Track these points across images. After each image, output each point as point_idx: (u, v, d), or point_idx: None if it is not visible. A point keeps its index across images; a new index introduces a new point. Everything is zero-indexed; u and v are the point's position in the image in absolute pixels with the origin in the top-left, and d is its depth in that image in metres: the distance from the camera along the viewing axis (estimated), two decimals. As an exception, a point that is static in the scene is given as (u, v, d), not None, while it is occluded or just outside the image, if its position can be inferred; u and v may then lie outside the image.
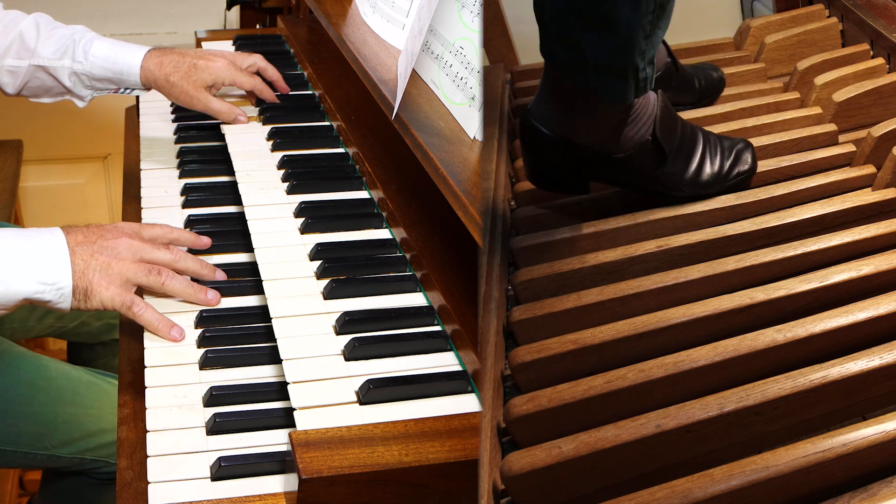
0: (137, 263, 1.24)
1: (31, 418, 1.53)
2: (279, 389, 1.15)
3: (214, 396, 1.13)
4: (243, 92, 1.78)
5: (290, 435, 1.00)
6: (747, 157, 1.37)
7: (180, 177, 1.63)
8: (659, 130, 1.28)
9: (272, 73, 1.79)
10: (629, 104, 1.24)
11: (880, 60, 1.60)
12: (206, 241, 1.38)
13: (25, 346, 2.48)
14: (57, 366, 1.59)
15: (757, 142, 1.44)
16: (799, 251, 1.22)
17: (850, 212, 1.30)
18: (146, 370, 1.18)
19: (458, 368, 1.15)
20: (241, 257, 1.40)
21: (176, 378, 1.17)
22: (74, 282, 1.19)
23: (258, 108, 1.77)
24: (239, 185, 1.51)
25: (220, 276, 1.33)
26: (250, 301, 1.31)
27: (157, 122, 1.83)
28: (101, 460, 1.61)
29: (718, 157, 1.35)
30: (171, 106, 1.86)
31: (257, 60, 1.77)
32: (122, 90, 1.71)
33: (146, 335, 1.24)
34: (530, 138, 1.27)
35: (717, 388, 1.01)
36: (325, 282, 1.28)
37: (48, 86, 1.70)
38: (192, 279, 1.31)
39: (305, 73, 1.91)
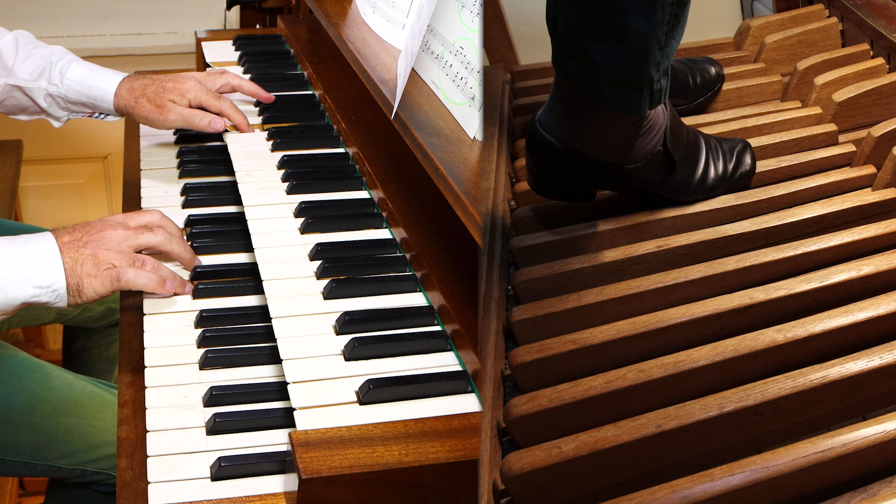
0: (121, 253, 1.26)
1: (33, 428, 1.52)
2: (279, 389, 1.15)
3: (214, 396, 1.14)
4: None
5: (290, 435, 1.00)
6: (747, 159, 1.37)
7: (180, 177, 1.63)
8: (669, 140, 1.26)
9: (249, 87, 1.75)
10: (642, 116, 1.21)
11: (880, 60, 1.60)
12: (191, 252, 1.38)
13: (29, 343, 2.47)
14: (60, 375, 1.58)
15: (757, 142, 1.44)
16: (799, 251, 1.22)
17: (850, 212, 1.30)
18: (146, 370, 1.18)
19: (458, 368, 1.15)
20: (241, 257, 1.41)
21: (176, 378, 1.18)
22: (66, 280, 1.21)
23: (258, 109, 1.77)
24: (239, 185, 1.51)
25: (198, 261, 1.37)
26: (250, 301, 1.32)
27: (157, 123, 1.83)
28: (103, 472, 1.59)
29: (721, 160, 1.35)
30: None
31: (230, 80, 1.72)
32: (96, 115, 1.69)
33: (146, 336, 1.24)
34: (537, 147, 1.25)
35: (717, 388, 1.01)
36: (325, 282, 1.28)
37: (24, 105, 1.68)
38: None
39: (305, 73, 1.90)
